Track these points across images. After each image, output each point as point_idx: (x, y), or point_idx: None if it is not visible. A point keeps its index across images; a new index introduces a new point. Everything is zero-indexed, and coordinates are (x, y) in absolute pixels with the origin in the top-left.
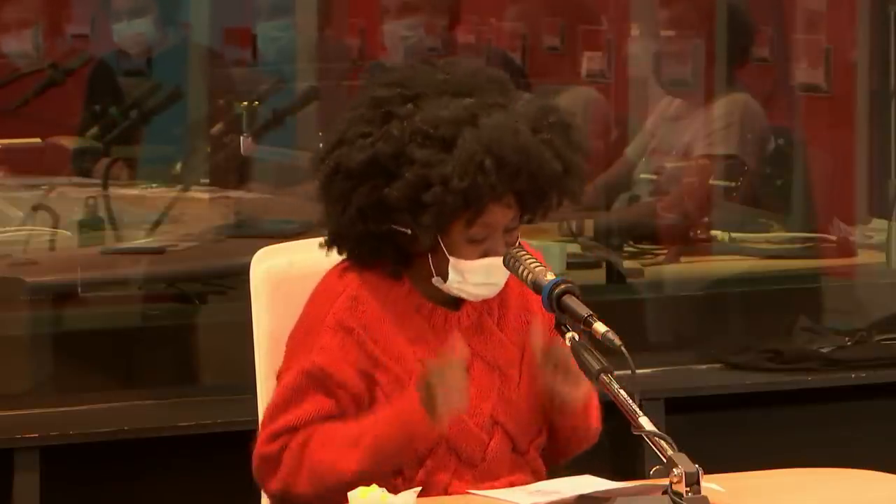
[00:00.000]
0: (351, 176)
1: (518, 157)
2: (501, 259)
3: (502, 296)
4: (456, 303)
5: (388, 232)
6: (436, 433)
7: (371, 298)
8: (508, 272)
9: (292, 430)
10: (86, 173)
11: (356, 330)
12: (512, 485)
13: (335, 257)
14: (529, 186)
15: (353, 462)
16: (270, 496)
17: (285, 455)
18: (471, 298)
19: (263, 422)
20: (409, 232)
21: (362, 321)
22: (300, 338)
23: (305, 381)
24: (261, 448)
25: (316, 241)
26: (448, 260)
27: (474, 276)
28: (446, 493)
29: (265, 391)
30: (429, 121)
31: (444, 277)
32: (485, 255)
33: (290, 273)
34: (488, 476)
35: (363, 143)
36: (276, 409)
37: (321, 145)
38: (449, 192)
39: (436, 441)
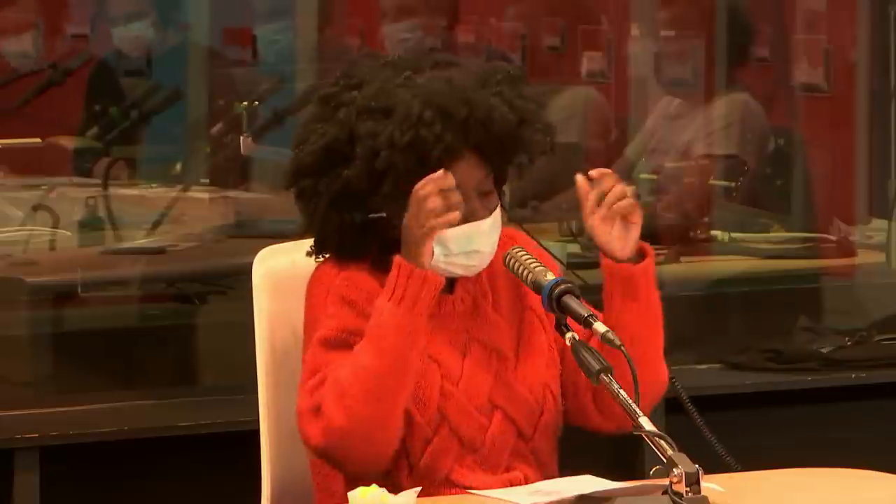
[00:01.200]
0: (311, 171)
1: (462, 107)
2: (481, 223)
3: (494, 279)
4: (449, 287)
5: (365, 223)
6: (427, 284)
7: (367, 278)
8: (493, 239)
9: (325, 380)
10: (86, 173)
11: (359, 303)
12: (512, 476)
13: None
14: (486, 140)
15: (367, 356)
16: (317, 453)
17: (322, 402)
18: (462, 272)
19: (299, 392)
20: (385, 215)
21: (363, 295)
22: (309, 323)
23: (325, 345)
24: (300, 406)
25: None
26: None
27: (457, 245)
28: (448, 480)
29: (266, 391)
30: (369, 96)
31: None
32: (464, 221)
33: (292, 272)
34: (489, 463)
35: (315, 137)
36: (308, 375)
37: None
38: (397, 151)
39: (439, 422)
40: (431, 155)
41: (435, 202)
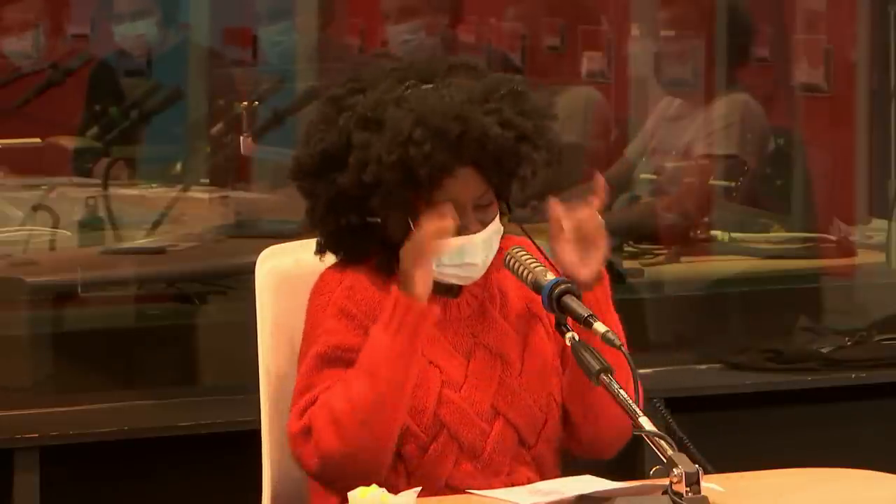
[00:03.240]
0: (310, 172)
1: (454, 125)
2: (473, 237)
3: (503, 285)
4: (454, 290)
5: (364, 225)
6: (425, 318)
7: (369, 286)
8: (486, 251)
9: (315, 401)
10: (86, 173)
11: (358, 316)
12: (514, 481)
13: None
14: (482, 157)
15: (362, 386)
16: (312, 475)
17: (313, 426)
18: (455, 281)
19: (291, 409)
20: (380, 221)
21: (362, 307)
22: (308, 333)
23: (320, 362)
24: (291, 428)
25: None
26: None
27: (449, 257)
28: (447, 485)
29: (268, 389)
30: (368, 105)
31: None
32: (456, 234)
33: (295, 272)
34: (490, 468)
35: (315, 139)
36: (299, 393)
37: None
38: (385, 168)
39: (437, 429)
40: (419, 173)
41: (427, 230)
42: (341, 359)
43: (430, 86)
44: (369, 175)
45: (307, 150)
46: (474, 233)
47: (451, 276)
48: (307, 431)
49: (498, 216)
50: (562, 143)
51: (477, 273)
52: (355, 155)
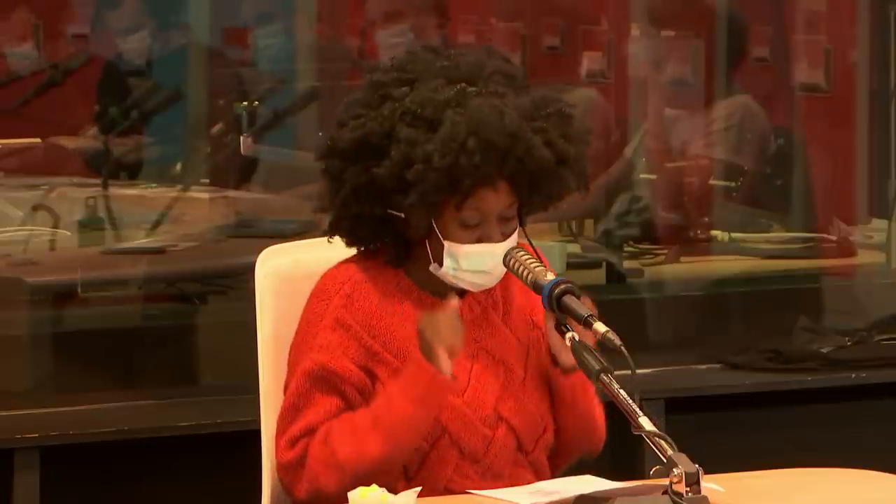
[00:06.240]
0: (343, 155)
1: (504, 140)
2: (496, 247)
3: (507, 292)
4: (458, 295)
5: (383, 216)
6: (447, 391)
7: (369, 294)
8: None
9: (309, 432)
10: (86, 173)
11: (354, 327)
12: (513, 484)
13: (340, 255)
14: (519, 173)
15: (377, 446)
16: (300, 502)
17: (308, 459)
18: (468, 287)
19: (277, 431)
20: (403, 216)
21: (359, 318)
22: (300, 341)
23: (310, 382)
24: (281, 457)
25: (320, 241)
26: (443, 245)
27: (468, 262)
28: (446, 489)
29: (268, 389)
30: (417, 101)
31: (441, 264)
32: (479, 241)
33: (295, 272)
34: (490, 472)
35: (355, 124)
36: (288, 414)
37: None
38: (431, 170)
39: (438, 434)
40: (464, 181)
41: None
42: (330, 382)
43: (483, 92)
44: (413, 173)
45: (344, 132)
46: (496, 243)
47: (466, 282)
48: (300, 463)
49: (516, 230)
50: (589, 169)
51: (491, 282)
52: (399, 150)
